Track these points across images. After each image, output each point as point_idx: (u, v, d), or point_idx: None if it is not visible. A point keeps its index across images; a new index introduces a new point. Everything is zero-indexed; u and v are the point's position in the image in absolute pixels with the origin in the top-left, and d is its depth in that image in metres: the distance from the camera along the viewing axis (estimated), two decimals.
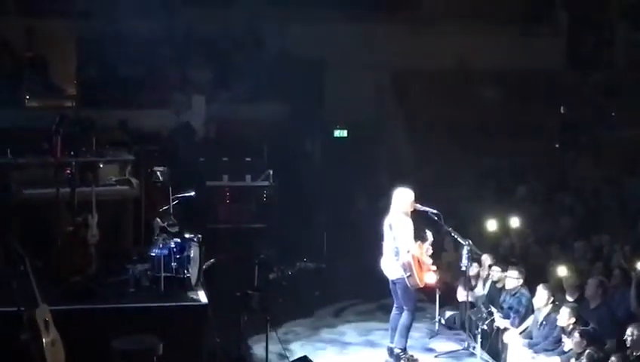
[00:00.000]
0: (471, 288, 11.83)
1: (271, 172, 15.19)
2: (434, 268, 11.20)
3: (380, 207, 12.08)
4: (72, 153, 12.37)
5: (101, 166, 12.78)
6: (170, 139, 15.81)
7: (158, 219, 11.41)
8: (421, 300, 12.01)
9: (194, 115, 16.97)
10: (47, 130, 12.71)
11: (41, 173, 12.48)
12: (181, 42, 17.60)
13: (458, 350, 11.40)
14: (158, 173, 12.48)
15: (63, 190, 11.73)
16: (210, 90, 17.43)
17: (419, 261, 10.71)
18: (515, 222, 13.30)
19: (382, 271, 10.98)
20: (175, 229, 11.25)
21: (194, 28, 18.07)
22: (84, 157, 12.60)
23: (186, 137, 16.30)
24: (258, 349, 10.91)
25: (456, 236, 11.31)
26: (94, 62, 17.35)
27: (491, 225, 13.12)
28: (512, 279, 11.51)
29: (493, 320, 11.27)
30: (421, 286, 10.86)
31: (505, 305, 11.57)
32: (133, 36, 16.10)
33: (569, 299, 10.98)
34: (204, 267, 11.26)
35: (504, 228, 13.35)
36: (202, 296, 10.79)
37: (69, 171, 11.86)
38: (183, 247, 10.99)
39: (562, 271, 11.30)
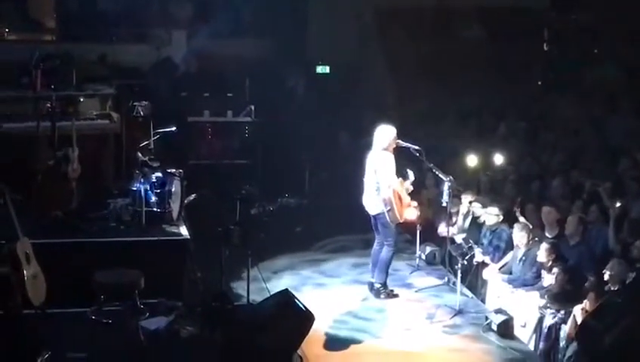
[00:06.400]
0: (451, 224, 11.88)
1: (253, 108, 15.13)
2: (414, 204, 11.25)
3: (362, 143, 12.07)
4: (52, 87, 12.30)
5: (81, 100, 12.73)
6: (150, 74, 15.69)
7: (139, 154, 11.38)
8: (401, 235, 12.07)
9: (175, 50, 16.83)
10: (27, 64, 12.64)
11: (20, 107, 12.43)
12: None
13: (438, 285, 11.47)
14: (139, 107, 12.41)
15: (43, 124, 11.68)
16: (191, 25, 17.27)
17: (399, 196, 10.75)
18: (498, 159, 13.33)
19: (363, 206, 11.01)
20: (156, 164, 11.23)
21: None
22: (64, 91, 12.53)
23: (167, 72, 16.18)
24: (239, 283, 10.96)
25: (437, 172, 11.31)
26: None
27: (472, 160, 13.13)
28: (492, 215, 11.57)
29: (473, 256, 11.35)
30: (401, 221, 10.91)
31: (485, 241, 11.64)
32: None
33: (548, 235, 11.06)
34: (185, 202, 11.27)
35: (485, 164, 13.38)
36: (183, 231, 10.82)
37: (49, 105, 11.80)
38: (164, 182, 10.99)
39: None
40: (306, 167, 14.65)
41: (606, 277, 9.52)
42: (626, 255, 10.08)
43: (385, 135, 10.80)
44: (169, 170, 11.14)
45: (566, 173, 12.76)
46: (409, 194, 11.06)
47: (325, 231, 13.33)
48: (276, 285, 11.09)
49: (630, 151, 13.11)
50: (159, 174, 11.04)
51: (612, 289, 9.44)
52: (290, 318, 8.81)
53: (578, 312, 9.40)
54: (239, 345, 8.68)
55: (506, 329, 9.94)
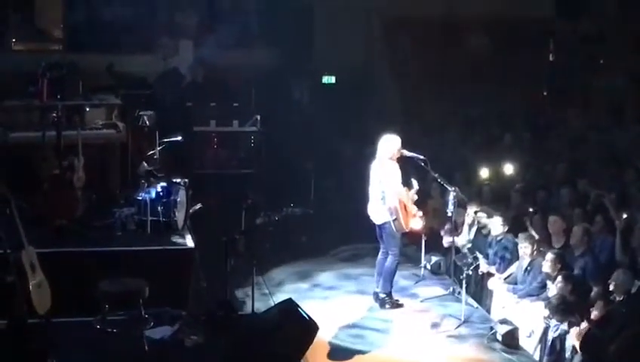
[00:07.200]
0: (456, 234, 11.87)
1: (258, 117, 15.15)
2: (420, 213, 11.25)
3: (367, 153, 12.07)
4: (58, 97, 12.33)
5: (87, 110, 12.77)
6: (157, 84, 15.72)
7: (145, 163, 11.41)
8: (407, 245, 12.08)
9: (181, 60, 16.87)
10: (34, 74, 12.68)
11: (27, 116, 12.46)
12: None
13: (443, 295, 11.46)
14: (145, 117, 12.46)
15: (49, 133, 11.71)
16: (197, 34, 17.31)
17: (405, 205, 10.75)
18: (508, 169, 13.35)
19: (369, 216, 11.02)
20: (161, 173, 11.26)
21: None
22: (71, 100, 12.57)
23: (174, 82, 16.21)
24: (244, 292, 10.95)
25: (442, 182, 11.32)
26: (81, 6, 17.14)
27: (477, 170, 13.15)
28: (497, 225, 11.56)
29: (478, 266, 11.36)
30: (407, 230, 10.91)
31: (490, 251, 11.62)
32: None
33: (555, 245, 11.03)
34: (190, 211, 11.28)
35: (490, 174, 13.38)
36: (189, 240, 10.83)
37: (55, 115, 11.84)
38: (169, 191, 11.02)
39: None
40: (311, 177, 14.65)
41: (611, 287, 9.50)
42: (633, 266, 10.06)
43: (390, 145, 10.81)
44: (174, 180, 11.16)
45: (572, 183, 12.73)
46: (414, 203, 11.07)
47: (330, 240, 13.35)
48: (280, 294, 11.10)
49: (635, 161, 13.09)
50: (165, 184, 11.07)
51: (617, 299, 9.42)
52: (294, 328, 8.80)
53: (582, 323, 9.39)
54: (243, 354, 8.67)
55: (511, 340, 9.92)
